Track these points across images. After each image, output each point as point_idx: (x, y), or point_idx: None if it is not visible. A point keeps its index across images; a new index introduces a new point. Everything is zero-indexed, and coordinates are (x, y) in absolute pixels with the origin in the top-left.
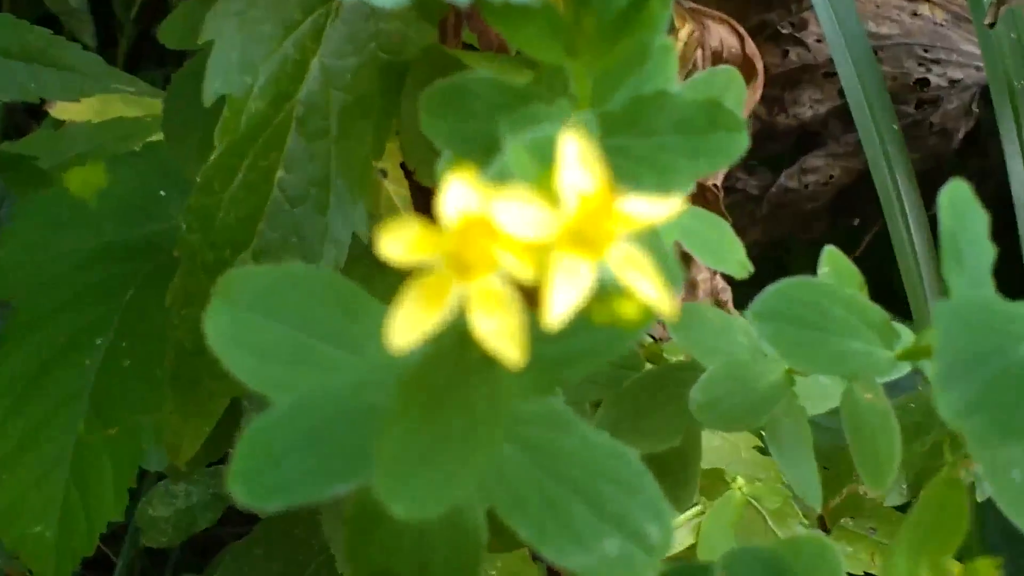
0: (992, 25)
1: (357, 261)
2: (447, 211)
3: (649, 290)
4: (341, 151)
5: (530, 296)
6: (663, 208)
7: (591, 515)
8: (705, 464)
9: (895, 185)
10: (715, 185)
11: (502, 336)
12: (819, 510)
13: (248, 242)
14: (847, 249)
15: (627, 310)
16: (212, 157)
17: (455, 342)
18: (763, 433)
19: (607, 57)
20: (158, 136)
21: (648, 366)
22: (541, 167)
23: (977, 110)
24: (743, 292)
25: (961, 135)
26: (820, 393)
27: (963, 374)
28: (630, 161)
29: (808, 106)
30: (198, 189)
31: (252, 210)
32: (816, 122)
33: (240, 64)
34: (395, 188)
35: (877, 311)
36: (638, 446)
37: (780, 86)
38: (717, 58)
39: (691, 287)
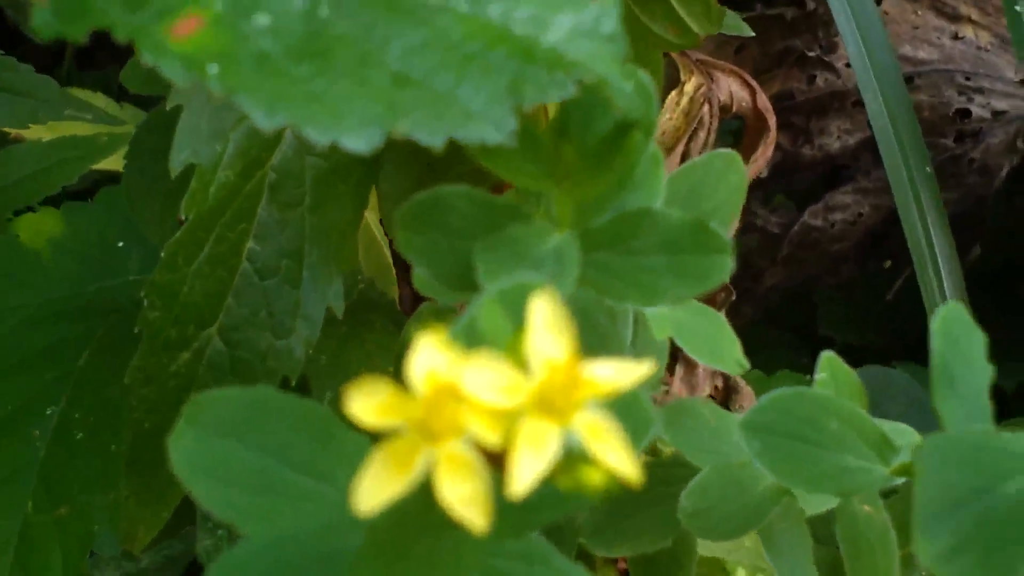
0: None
1: (332, 328)
2: (415, 377)
3: (614, 459)
4: (316, 221)
5: (497, 457)
6: (631, 374)
7: None
8: (704, 551)
9: (926, 233)
10: None
11: (467, 502)
12: None
13: (214, 318)
14: (878, 294)
15: (591, 477)
16: (178, 233)
17: (422, 497)
18: None
19: (588, 185)
20: (114, 158)
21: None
22: (511, 323)
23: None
24: (767, 352)
25: (1005, 173)
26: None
27: (945, 517)
28: (612, 279)
29: (836, 137)
30: (162, 265)
31: (219, 284)
32: (845, 155)
33: (209, 132)
34: (375, 217)
35: (873, 425)
36: (626, 548)
37: (806, 114)
38: (726, 112)
39: (690, 365)
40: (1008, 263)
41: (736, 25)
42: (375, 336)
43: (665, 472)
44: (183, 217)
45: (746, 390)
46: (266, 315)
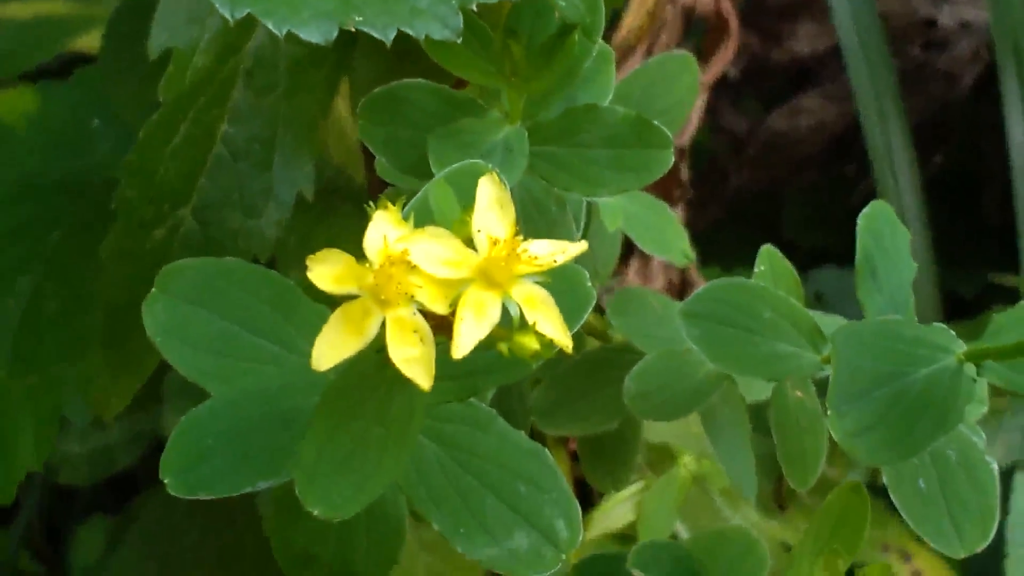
0: None
1: (301, 211)
2: (369, 248)
3: (548, 327)
4: (289, 107)
5: (445, 325)
6: (566, 251)
7: (503, 510)
8: (655, 438)
9: (887, 141)
10: (679, 150)
11: (414, 363)
12: (753, 499)
13: (188, 197)
14: (842, 197)
15: (528, 343)
16: (155, 115)
17: (374, 358)
18: None
19: (534, 81)
20: (87, 38)
21: (593, 342)
22: (459, 203)
23: (989, 56)
24: (731, 251)
25: (969, 82)
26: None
27: (857, 397)
28: (559, 170)
29: (805, 42)
30: (139, 146)
31: (193, 165)
32: (813, 60)
33: (188, 16)
34: (345, 104)
35: (806, 314)
36: (575, 428)
37: (776, 18)
38: (689, 15)
39: (645, 258)
40: (970, 173)
41: None
42: (342, 220)
43: (614, 357)
44: (161, 98)
45: (701, 284)
46: (238, 196)
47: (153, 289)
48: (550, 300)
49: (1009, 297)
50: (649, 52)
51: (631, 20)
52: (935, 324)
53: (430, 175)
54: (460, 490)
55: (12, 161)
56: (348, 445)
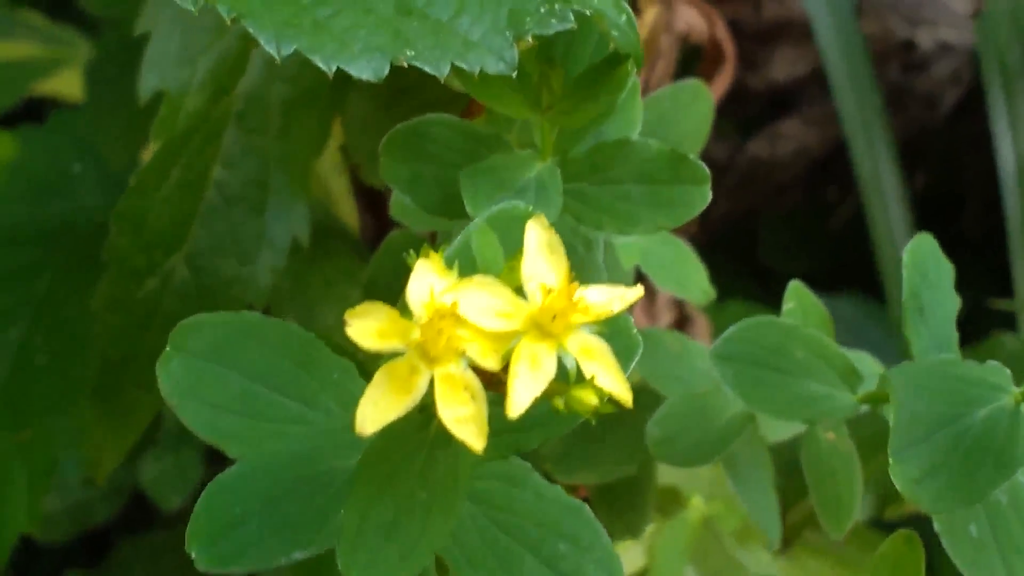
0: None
1: (293, 254)
2: (413, 301)
3: (607, 380)
4: (282, 149)
5: (489, 379)
6: (624, 299)
7: (543, 570)
8: (663, 480)
9: (874, 163)
10: None
11: (466, 423)
12: (777, 541)
13: (180, 245)
14: (821, 223)
15: (585, 397)
16: (148, 160)
17: (417, 416)
18: None
19: (574, 114)
20: (53, 80)
21: None
22: (505, 247)
23: (969, 77)
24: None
25: (950, 103)
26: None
27: (918, 442)
28: (590, 208)
29: (783, 67)
30: (130, 192)
31: (185, 211)
32: (791, 84)
33: (178, 57)
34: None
35: (840, 353)
36: (591, 475)
37: (753, 43)
38: (684, 43)
39: (650, 295)
40: (951, 194)
41: None
42: (334, 261)
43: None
44: (152, 143)
45: (700, 319)
46: (232, 242)
47: (167, 347)
48: (607, 351)
49: (995, 318)
50: (646, 82)
51: None
52: (989, 362)
53: (456, 214)
54: (497, 551)
55: None
56: (392, 511)
